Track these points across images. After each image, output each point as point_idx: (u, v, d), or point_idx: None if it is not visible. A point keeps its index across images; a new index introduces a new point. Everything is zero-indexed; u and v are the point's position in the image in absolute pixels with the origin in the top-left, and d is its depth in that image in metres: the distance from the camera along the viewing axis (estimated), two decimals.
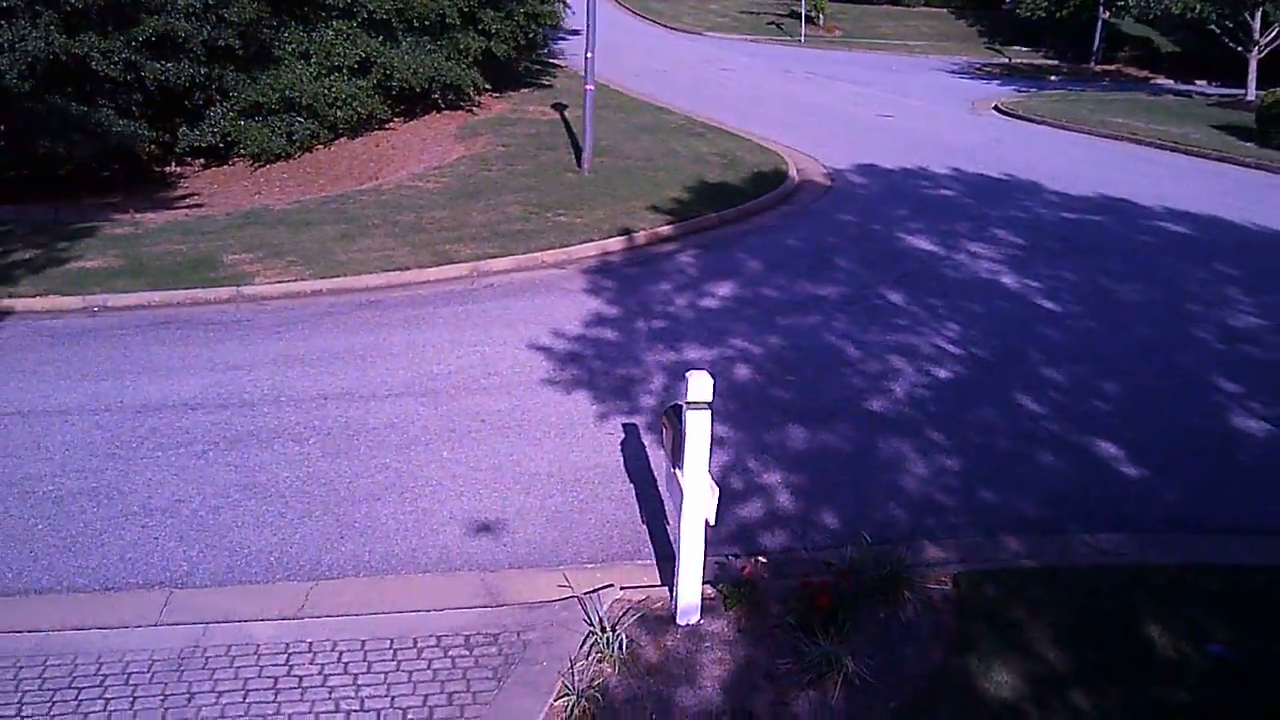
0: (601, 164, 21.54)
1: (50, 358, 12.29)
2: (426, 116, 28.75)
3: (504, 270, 15.69)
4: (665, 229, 17.58)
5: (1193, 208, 19.84)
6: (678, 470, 6.82)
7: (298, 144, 26.75)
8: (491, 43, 28.55)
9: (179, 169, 27.05)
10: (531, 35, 30.20)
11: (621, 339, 12.70)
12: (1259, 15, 34.36)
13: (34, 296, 14.57)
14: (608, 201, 19.03)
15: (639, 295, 14.48)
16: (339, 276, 15.05)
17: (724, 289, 14.72)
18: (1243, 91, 35.14)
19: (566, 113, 28.09)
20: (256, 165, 26.69)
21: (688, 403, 6.59)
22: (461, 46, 28.01)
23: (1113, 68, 50.83)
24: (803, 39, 59.45)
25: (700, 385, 6.59)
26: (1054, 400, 10.90)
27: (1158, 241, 17.47)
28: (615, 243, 16.88)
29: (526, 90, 32.45)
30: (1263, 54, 34.85)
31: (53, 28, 22.25)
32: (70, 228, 17.91)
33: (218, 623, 7.21)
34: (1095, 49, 52.76)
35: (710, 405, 6.60)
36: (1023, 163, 23.97)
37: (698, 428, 6.64)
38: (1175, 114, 32.16)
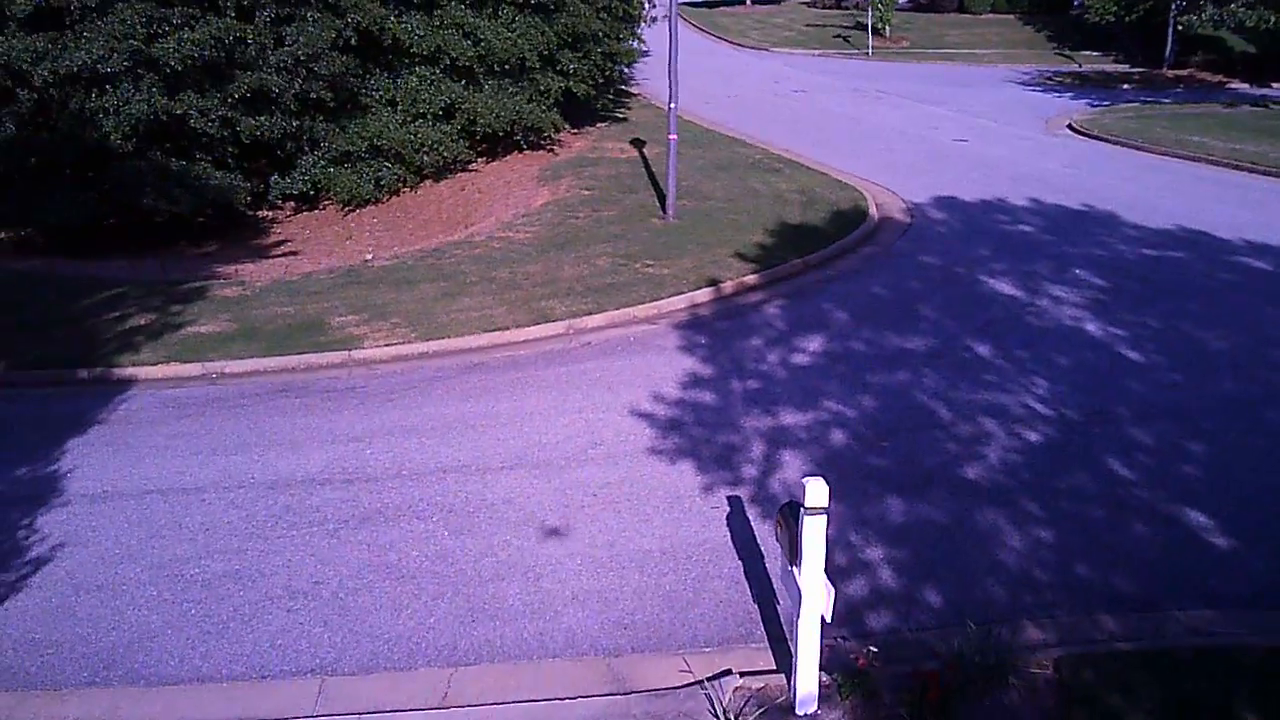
0: (684, 207, 22.09)
1: (180, 431, 13.09)
2: (509, 157, 29.52)
3: (598, 327, 16.31)
4: (751, 278, 18.10)
5: (1272, 238, 19.93)
6: (795, 568, 7.34)
7: (385, 188, 27.66)
8: (570, 82, 29.23)
9: (270, 213, 28.01)
10: (609, 73, 30.85)
11: (718, 402, 13.24)
12: None
13: (155, 364, 15.46)
14: (693, 249, 19.59)
15: (731, 352, 15.02)
16: (443, 338, 15.77)
17: (813, 343, 15.20)
18: None
19: (645, 149, 28.70)
20: (346, 210, 27.61)
21: (805, 508, 7.12)
22: (542, 88, 28.72)
23: (1185, 73, 50.32)
24: (870, 51, 59.53)
25: (817, 492, 7.12)
26: (1143, 464, 11.25)
27: (1238, 280, 17.65)
28: (703, 294, 17.43)
29: (604, 125, 33.13)
30: None
31: (154, 90, 23.25)
32: (180, 288, 18.83)
33: (370, 713, 7.85)
34: (1167, 53, 52.31)
35: (826, 510, 7.12)
36: (1099, 191, 24.13)
37: (814, 532, 7.17)
38: (1251, 128, 31.99)
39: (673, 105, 20.74)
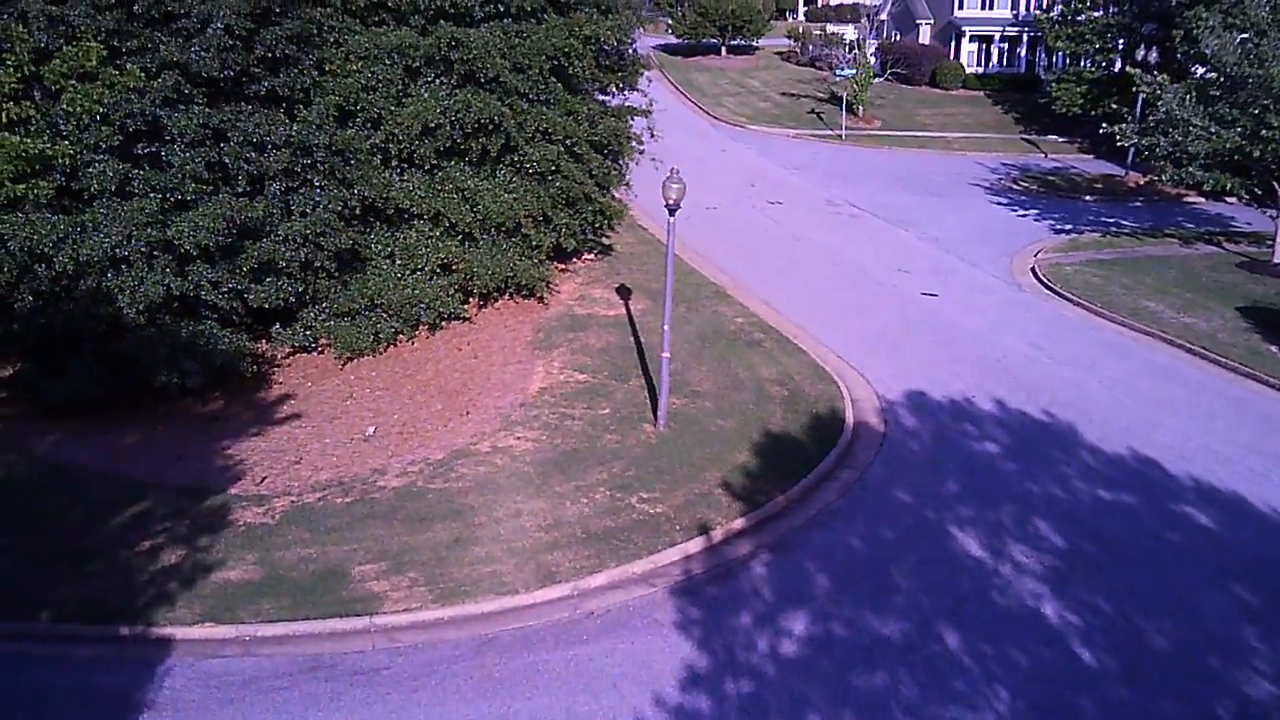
0: (673, 407, 23.55)
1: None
2: (500, 303, 30.80)
3: (601, 588, 17.76)
4: (739, 521, 19.69)
5: (1219, 477, 21.63)
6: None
7: (384, 340, 28.87)
8: (562, 236, 30.62)
9: (268, 346, 28.73)
10: (599, 227, 32.28)
11: (714, 711, 14.74)
12: None
13: (191, 624, 16.76)
14: (684, 473, 21.15)
15: (723, 634, 16.53)
16: (457, 602, 17.17)
17: (798, 624, 16.74)
18: (1270, 251, 36.78)
19: (631, 302, 30.27)
20: (344, 360, 28.76)
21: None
22: (534, 243, 30.05)
23: (1146, 179, 52.21)
24: (844, 135, 61.22)
25: None
26: None
27: (1185, 544, 19.31)
28: (695, 544, 18.95)
29: (590, 257, 34.53)
30: None
31: (168, 270, 24.37)
32: (203, 506, 20.12)
33: None
34: (1130, 155, 54.26)
35: None
36: (1060, 391, 25.79)
37: None
38: (1203, 287, 33.85)
39: (666, 326, 22.23)
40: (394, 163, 28.40)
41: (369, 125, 27.67)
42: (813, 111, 66.87)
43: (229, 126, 24.97)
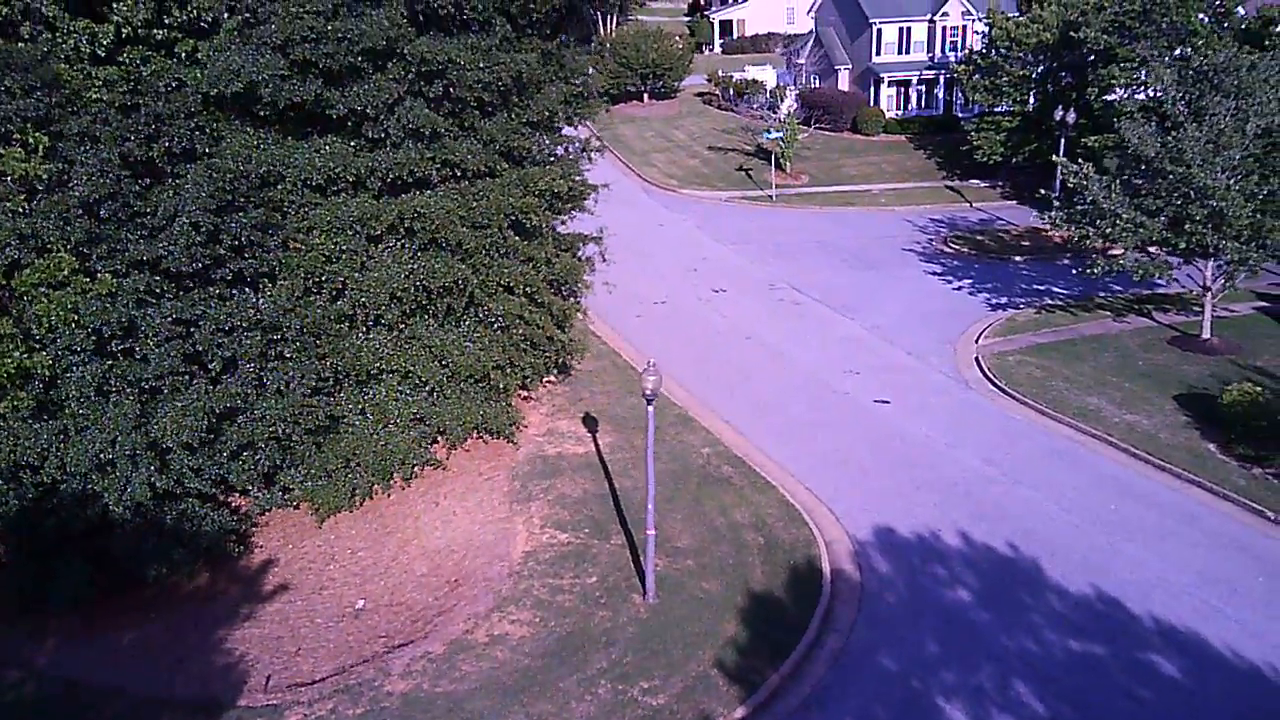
0: (658, 570, 24.33)
1: None
2: (471, 443, 31.42)
3: None
4: (739, 711, 20.67)
5: (1178, 616, 23.01)
6: None
7: (361, 496, 29.39)
8: (527, 379, 31.38)
9: (244, 502, 28.96)
10: (562, 361, 33.09)
11: None
12: (1209, 267, 37.75)
13: None
14: (680, 655, 22.06)
15: None
16: None
17: None
18: (1198, 329, 38.53)
19: (599, 436, 31.27)
20: (322, 517, 29.21)
21: None
22: (502, 387, 30.74)
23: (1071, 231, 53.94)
24: (774, 195, 62.45)
25: None
26: None
27: (1156, 700, 20.63)
28: None
29: (552, 380, 35.25)
30: (1216, 299, 38.25)
31: (152, 467, 24.75)
32: None
33: None
34: (1055, 200, 55.78)
35: None
36: (1019, 513, 27.27)
37: None
38: (1142, 374, 35.48)
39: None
40: (361, 326, 28.87)
41: (335, 295, 28.14)
42: (741, 168, 68.11)
43: (200, 316, 25.33)
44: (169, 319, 24.91)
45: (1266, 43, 50.76)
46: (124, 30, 25.63)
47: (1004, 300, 44.54)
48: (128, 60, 26.40)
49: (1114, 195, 37.34)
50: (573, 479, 29.61)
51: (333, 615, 25.32)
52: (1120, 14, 54.13)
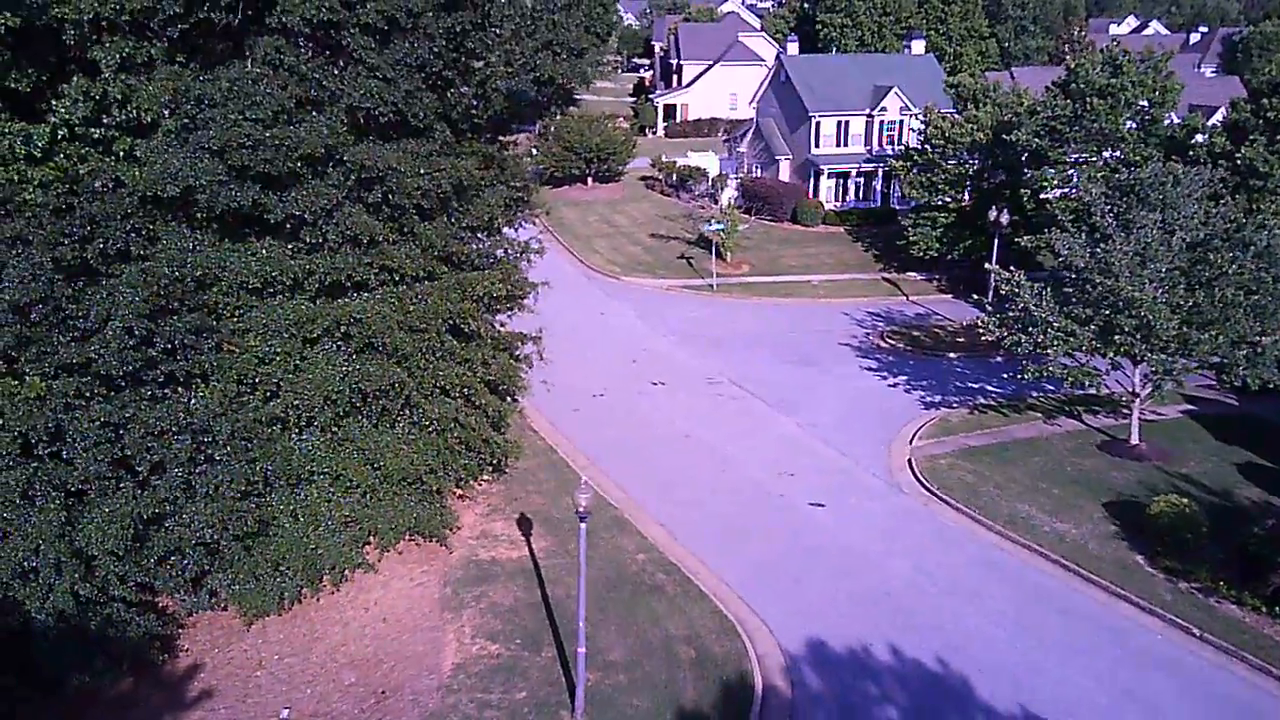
0: (588, 684, 24.09)
1: None
2: (403, 544, 31.08)
3: None
4: None
5: None
6: None
7: (289, 599, 28.91)
8: (461, 480, 31.24)
9: (169, 603, 28.38)
10: (497, 461, 32.98)
11: None
12: (1137, 373, 38.52)
13: None
14: None
15: None
16: None
17: None
18: (1127, 434, 39.23)
19: (534, 539, 31.08)
20: (249, 621, 28.68)
21: None
22: (436, 489, 30.54)
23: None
24: (715, 285, 63.00)
25: None
26: None
27: None
28: None
29: (487, 479, 35.00)
30: (1143, 404, 39.01)
31: (76, 575, 24.24)
32: None
33: None
34: (988, 305, 56.79)
35: None
36: (949, 626, 27.53)
37: None
38: (1071, 479, 36.04)
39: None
40: (294, 428, 28.59)
41: (268, 397, 27.88)
42: (683, 256, 68.70)
43: (129, 419, 24.96)
44: (97, 422, 24.50)
45: (1190, 151, 52.41)
46: (60, 131, 25.42)
47: (938, 399, 45.10)
48: (64, 158, 26.18)
49: (1045, 303, 38.04)
50: (506, 586, 29.37)
51: None
52: (1052, 118, 55.67)
